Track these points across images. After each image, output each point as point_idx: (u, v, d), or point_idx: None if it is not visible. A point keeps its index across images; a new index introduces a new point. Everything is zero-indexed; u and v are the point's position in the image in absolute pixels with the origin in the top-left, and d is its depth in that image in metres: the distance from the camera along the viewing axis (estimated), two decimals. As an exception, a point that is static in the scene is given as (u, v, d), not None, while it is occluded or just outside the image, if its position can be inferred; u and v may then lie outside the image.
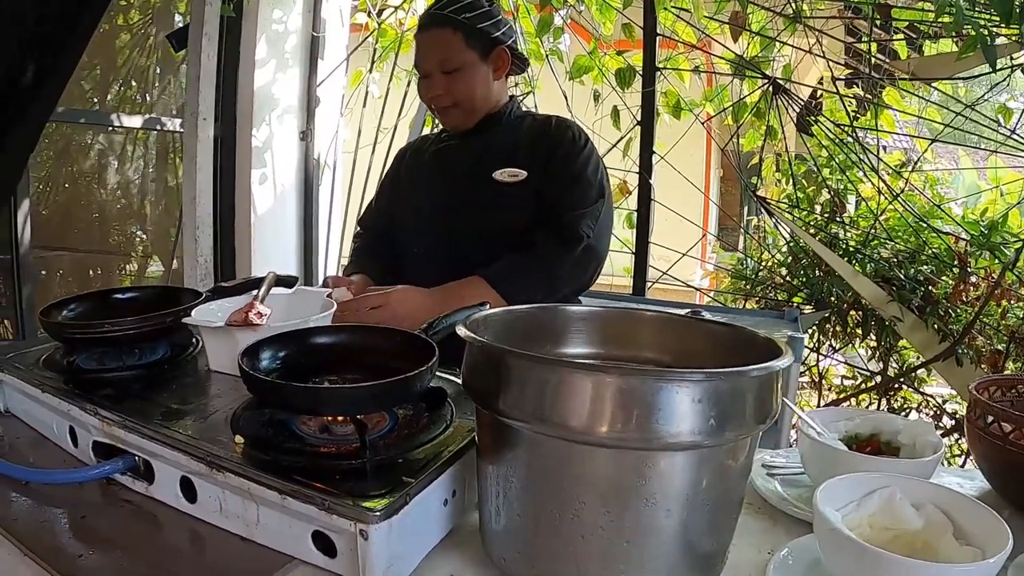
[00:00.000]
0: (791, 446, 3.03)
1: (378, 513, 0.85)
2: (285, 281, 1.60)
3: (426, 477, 0.94)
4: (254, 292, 1.46)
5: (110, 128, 3.79)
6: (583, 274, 1.91)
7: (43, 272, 3.84)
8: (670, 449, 0.84)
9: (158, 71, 3.99)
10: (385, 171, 2.34)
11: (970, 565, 0.87)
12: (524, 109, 2.15)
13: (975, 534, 0.93)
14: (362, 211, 2.40)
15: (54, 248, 3.89)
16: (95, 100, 3.91)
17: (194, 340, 1.46)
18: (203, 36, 3.06)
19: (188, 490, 1.04)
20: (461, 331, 0.94)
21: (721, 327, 1.15)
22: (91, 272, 4.15)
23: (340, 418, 1.05)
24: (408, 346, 1.14)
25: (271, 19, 3.74)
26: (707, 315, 3.03)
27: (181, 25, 3.21)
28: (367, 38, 4.08)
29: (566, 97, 3.76)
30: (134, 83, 4.02)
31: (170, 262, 3.87)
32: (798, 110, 3.68)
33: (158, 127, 3.72)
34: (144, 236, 4.22)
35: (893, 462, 1.20)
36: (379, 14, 3.99)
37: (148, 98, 3.99)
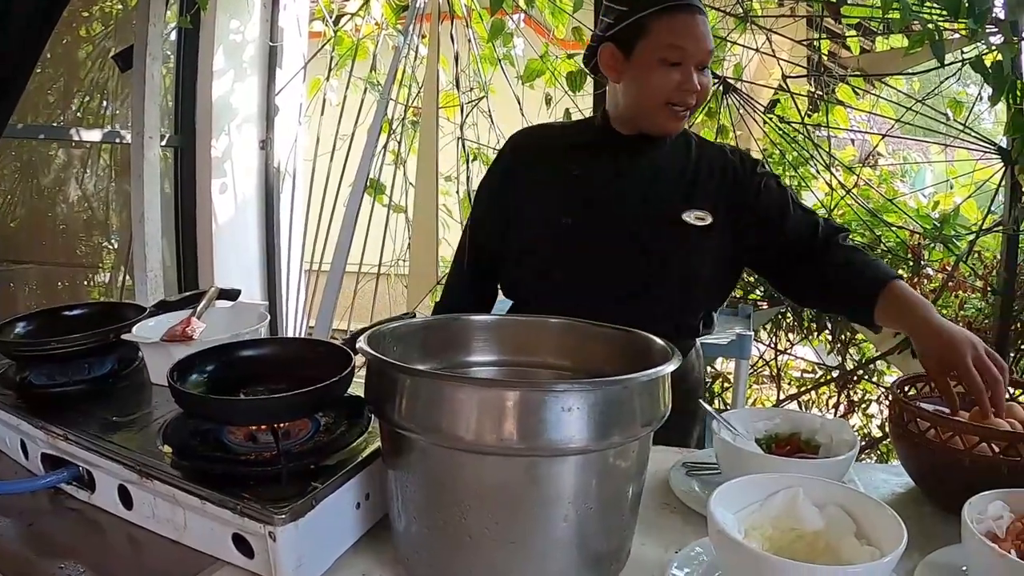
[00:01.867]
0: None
1: (284, 516, 0.93)
2: (228, 294, 1.68)
3: (334, 481, 1.02)
4: (193, 307, 1.53)
5: (73, 143, 3.83)
6: None
7: (11, 284, 3.89)
8: (550, 455, 0.90)
9: (119, 84, 4.03)
10: (490, 173, 1.91)
11: (858, 567, 0.90)
12: None
13: (876, 534, 0.95)
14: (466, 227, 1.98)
15: (22, 261, 3.93)
16: (59, 112, 3.95)
17: (139, 354, 1.52)
18: (147, 56, 3.10)
19: (125, 497, 1.12)
20: (360, 344, 1.02)
21: (619, 332, 1.22)
22: (59, 284, 4.19)
23: (263, 427, 1.13)
24: (331, 357, 1.20)
25: (228, 29, 3.80)
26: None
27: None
28: (324, 46, 4.14)
29: (519, 101, 3.83)
30: (96, 96, 4.06)
31: (124, 269, 3.93)
32: (762, 110, 3.75)
33: (117, 140, 3.76)
34: (111, 247, 4.26)
35: (803, 463, 1.23)
36: (336, 22, 4.05)
37: (110, 111, 4.03)
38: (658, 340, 1.13)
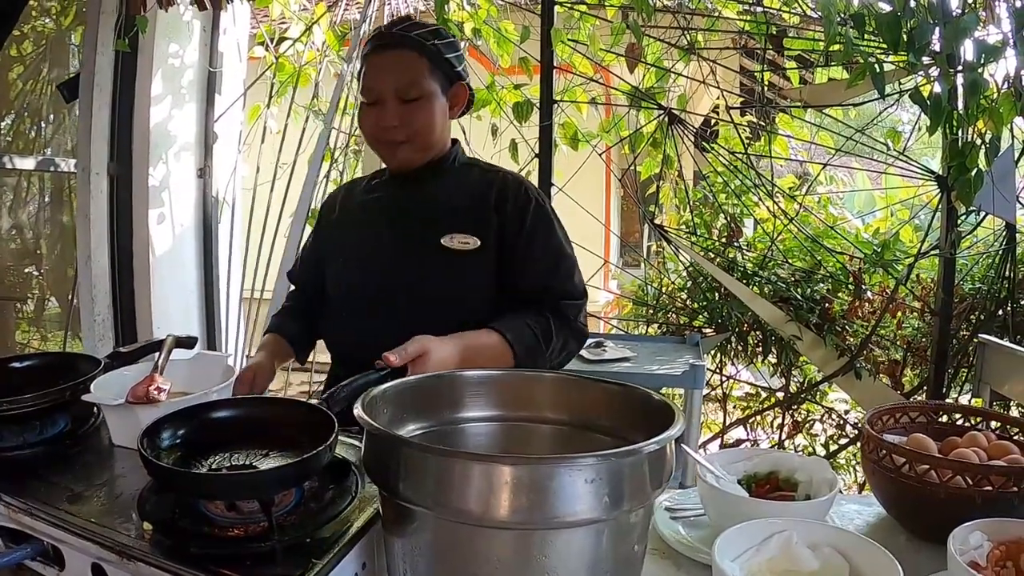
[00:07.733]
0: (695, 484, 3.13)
1: (294, 599, 0.87)
2: (184, 342, 1.59)
3: (335, 555, 0.97)
4: (154, 360, 1.45)
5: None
6: (569, 358, 1.85)
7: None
8: (568, 527, 0.88)
9: (50, 107, 3.89)
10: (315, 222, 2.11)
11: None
12: (467, 155, 1.96)
13: (871, 572, 0.99)
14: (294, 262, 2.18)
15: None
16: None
17: (95, 411, 1.44)
18: (95, 87, 2.94)
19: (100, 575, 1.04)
20: (357, 412, 0.97)
21: (615, 387, 1.20)
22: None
23: (248, 497, 1.06)
24: (309, 418, 1.15)
25: (167, 53, 3.67)
26: (610, 344, 3.13)
27: (74, 72, 3.12)
28: (265, 72, 4.05)
29: (464, 131, 3.79)
30: (27, 118, 3.91)
31: (68, 313, 3.76)
32: (694, 136, 3.80)
33: (52, 168, 3.61)
34: (40, 276, 4.10)
35: (788, 506, 1.25)
36: (277, 47, 3.97)
37: (43, 135, 3.88)
38: (655, 395, 1.11)
